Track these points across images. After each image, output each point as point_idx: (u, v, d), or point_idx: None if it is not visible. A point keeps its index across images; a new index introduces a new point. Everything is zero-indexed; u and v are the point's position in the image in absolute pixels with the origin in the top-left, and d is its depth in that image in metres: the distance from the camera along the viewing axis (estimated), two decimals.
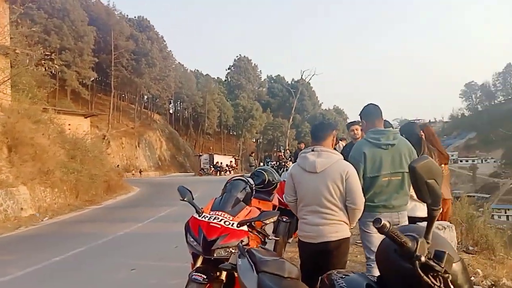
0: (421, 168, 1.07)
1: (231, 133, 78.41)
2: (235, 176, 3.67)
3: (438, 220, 4.09)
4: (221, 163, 33.84)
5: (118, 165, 31.03)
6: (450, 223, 6.21)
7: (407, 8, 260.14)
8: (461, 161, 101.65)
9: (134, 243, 7.31)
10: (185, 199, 3.09)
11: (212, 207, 3.04)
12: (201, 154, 40.35)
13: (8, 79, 14.24)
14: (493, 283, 4.25)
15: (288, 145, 53.30)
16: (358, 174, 2.94)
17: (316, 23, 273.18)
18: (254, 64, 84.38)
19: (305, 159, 2.92)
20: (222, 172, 32.11)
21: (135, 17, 60.44)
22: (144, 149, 52.05)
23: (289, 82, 76.14)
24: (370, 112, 3.40)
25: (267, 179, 4.61)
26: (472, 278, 4.36)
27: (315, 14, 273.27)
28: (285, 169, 19.13)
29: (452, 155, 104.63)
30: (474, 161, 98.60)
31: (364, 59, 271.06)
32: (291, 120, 54.11)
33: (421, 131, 4.21)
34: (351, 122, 6.14)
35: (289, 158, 19.31)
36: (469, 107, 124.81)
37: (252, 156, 23.59)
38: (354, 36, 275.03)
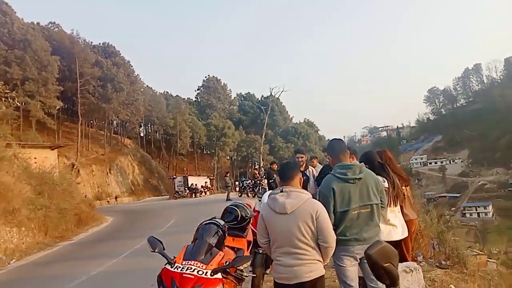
0: (377, 254, 1.08)
1: (204, 152, 78.01)
2: (205, 220, 3.62)
3: (406, 253, 4.13)
4: (196, 184, 33.35)
5: (86, 195, 30.22)
6: (422, 236, 6.35)
7: (368, 20, 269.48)
8: (430, 163, 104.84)
9: (108, 284, 7.04)
10: (156, 251, 3.01)
11: (184, 256, 2.97)
12: (174, 176, 39.68)
13: None
14: None
15: (263, 160, 53.49)
16: (328, 210, 3.01)
17: (282, 38, 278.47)
18: (224, 83, 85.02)
19: (274, 200, 2.94)
20: (198, 194, 31.65)
21: (99, 43, 60.04)
22: (116, 175, 50.91)
23: (259, 99, 76.88)
24: (333, 148, 3.52)
25: (239, 215, 4.56)
26: None
27: (280, 27, 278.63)
28: (260, 187, 19.26)
29: (422, 158, 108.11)
30: (442, 162, 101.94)
31: (330, 71, 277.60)
32: (263, 136, 54.47)
33: (380, 158, 4.33)
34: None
35: (264, 176, 19.36)
36: (434, 111, 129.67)
37: (227, 176, 23.52)
38: (319, 48, 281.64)
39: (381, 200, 3.32)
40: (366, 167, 3.44)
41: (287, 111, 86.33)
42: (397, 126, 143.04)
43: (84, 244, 12.51)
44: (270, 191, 5.95)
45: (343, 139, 4.04)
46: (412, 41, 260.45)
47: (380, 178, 3.90)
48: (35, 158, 20.03)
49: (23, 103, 40.27)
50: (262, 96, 77.07)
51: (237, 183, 29.50)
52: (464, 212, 76.46)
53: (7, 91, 15.75)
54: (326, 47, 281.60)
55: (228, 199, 20.16)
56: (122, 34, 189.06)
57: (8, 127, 21.72)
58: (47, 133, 46.63)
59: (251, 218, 4.75)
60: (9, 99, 15.71)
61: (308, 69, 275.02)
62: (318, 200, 3.08)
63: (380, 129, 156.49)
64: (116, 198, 43.07)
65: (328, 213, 2.97)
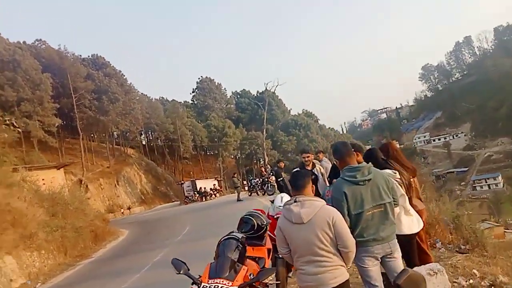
0: (406, 284, 1.22)
1: (208, 153, 78.05)
2: (224, 236, 3.73)
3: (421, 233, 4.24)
4: (205, 188, 33.39)
5: (98, 211, 30.51)
6: (438, 222, 6.44)
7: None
8: (433, 140, 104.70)
9: None
10: (181, 272, 3.12)
11: (209, 275, 3.07)
12: (182, 182, 39.82)
13: None
14: (491, 282, 4.35)
15: (267, 156, 53.50)
16: (342, 214, 3.08)
17: (269, 31, 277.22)
18: (218, 83, 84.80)
19: (289, 211, 3.02)
20: (208, 197, 31.75)
21: (89, 56, 59.54)
22: (124, 186, 51.08)
23: (255, 95, 76.73)
24: (339, 151, 3.57)
25: (255, 224, 4.58)
26: (471, 280, 4.49)
27: (265, 20, 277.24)
28: (269, 184, 19.41)
29: (425, 136, 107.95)
30: (446, 138, 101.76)
31: (322, 59, 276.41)
32: (264, 131, 54.49)
33: (386, 151, 4.43)
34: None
35: (271, 173, 19.50)
36: (430, 88, 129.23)
37: (235, 177, 23.65)
38: (308, 37, 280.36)
39: (393, 198, 3.39)
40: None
41: (284, 104, 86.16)
42: (396, 107, 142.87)
43: (104, 260, 12.69)
44: (282, 194, 6.06)
45: (347, 141, 4.14)
46: (399, 19, 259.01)
47: (390, 171, 4.01)
48: (43, 179, 20.27)
49: (22, 124, 40.36)
50: (258, 91, 76.99)
51: (245, 182, 29.59)
52: (474, 185, 76.29)
53: (7, 117, 15.78)
54: (315, 35, 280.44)
55: (239, 200, 20.36)
56: (106, 44, 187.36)
57: (12, 150, 21.93)
58: (50, 151, 46.76)
59: (267, 226, 4.83)
60: (10, 125, 15.77)
61: (299, 59, 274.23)
62: (331, 205, 3.15)
63: (379, 111, 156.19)
64: (129, 208, 43.61)
65: (343, 216, 3.04)
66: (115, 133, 62.75)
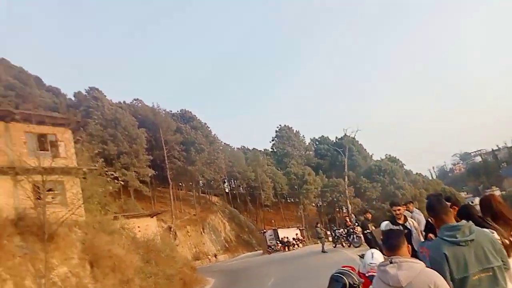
0: None
1: (288, 201, 77.78)
2: None
3: None
4: (287, 237, 33.10)
5: (185, 258, 31.83)
6: None
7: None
8: None
9: None
10: None
11: None
12: (264, 230, 40.06)
13: (82, 203, 15.21)
14: None
15: (350, 204, 51.71)
16: (445, 277, 2.87)
17: (345, 79, 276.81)
18: (296, 130, 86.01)
19: (385, 273, 2.88)
20: (290, 247, 31.32)
21: (178, 111, 65.17)
22: (209, 234, 52.69)
23: (334, 141, 75.97)
24: (434, 207, 3.31)
25: (347, 283, 4.45)
26: None
27: (342, 69, 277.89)
28: (355, 236, 18.71)
29: None
30: None
31: (407, 98, 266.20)
32: (346, 178, 53.08)
33: (488, 204, 4.07)
34: None
35: (356, 223, 18.89)
36: None
37: (318, 227, 23.18)
38: (386, 75, 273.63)
39: (502, 260, 3.04)
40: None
41: (365, 150, 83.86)
42: (492, 149, 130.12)
43: None
44: (372, 250, 5.84)
45: (441, 195, 3.85)
46: (490, 54, 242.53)
47: (487, 230, 3.65)
48: (138, 227, 21.91)
49: (120, 175, 44.59)
50: (337, 137, 76.21)
51: (328, 232, 28.78)
52: None
53: (111, 172, 17.69)
54: (394, 75, 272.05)
55: (323, 251, 19.83)
56: (193, 98, 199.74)
57: (112, 199, 24.35)
58: (144, 200, 50.46)
59: (360, 285, 4.64)
60: (115, 181, 17.60)
61: (379, 102, 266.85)
62: (430, 267, 2.92)
63: (472, 154, 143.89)
64: (215, 256, 45.30)
65: (446, 281, 2.82)
66: (200, 181, 65.97)
